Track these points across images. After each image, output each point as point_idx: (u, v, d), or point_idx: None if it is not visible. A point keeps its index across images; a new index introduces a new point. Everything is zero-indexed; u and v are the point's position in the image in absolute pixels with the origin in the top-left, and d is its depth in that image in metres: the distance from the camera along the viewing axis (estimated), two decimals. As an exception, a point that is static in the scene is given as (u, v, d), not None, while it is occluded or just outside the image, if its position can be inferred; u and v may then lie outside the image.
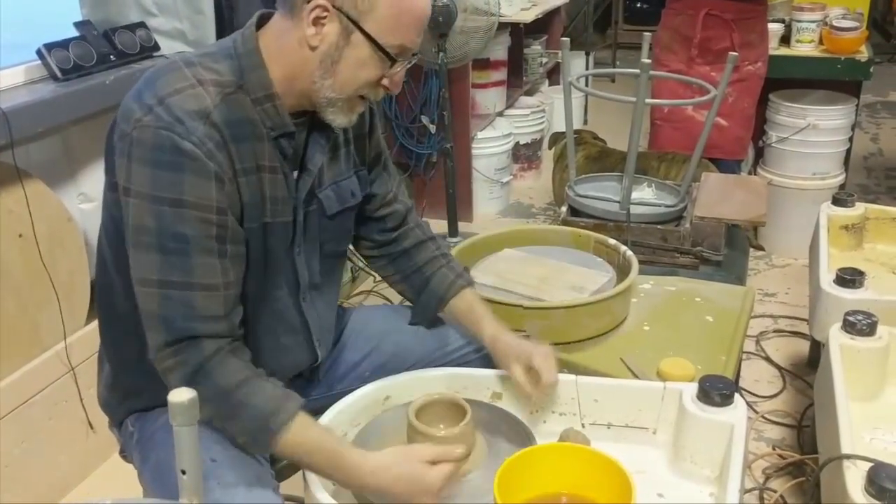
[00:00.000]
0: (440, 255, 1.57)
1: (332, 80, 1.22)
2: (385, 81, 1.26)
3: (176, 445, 0.78)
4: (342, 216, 1.43)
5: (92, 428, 2.08)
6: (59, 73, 2.08)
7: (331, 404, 1.41)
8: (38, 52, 2.09)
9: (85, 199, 2.33)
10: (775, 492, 1.93)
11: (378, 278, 1.58)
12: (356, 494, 1.26)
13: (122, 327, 1.31)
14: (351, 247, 1.56)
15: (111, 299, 1.33)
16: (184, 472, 0.78)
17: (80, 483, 2.07)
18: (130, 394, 1.38)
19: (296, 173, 1.32)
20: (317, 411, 1.43)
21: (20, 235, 1.97)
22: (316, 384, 1.52)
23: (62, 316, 2.02)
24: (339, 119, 1.28)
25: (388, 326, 1.59)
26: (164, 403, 1.29)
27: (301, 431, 1.20)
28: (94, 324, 2.12)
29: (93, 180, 2.35)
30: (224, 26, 2.60)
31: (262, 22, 1.27)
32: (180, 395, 0.78)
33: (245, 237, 1.25)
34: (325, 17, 1.19)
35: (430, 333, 1.57)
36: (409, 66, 1.28)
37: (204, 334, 1.19)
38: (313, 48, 1.21)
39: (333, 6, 1.19)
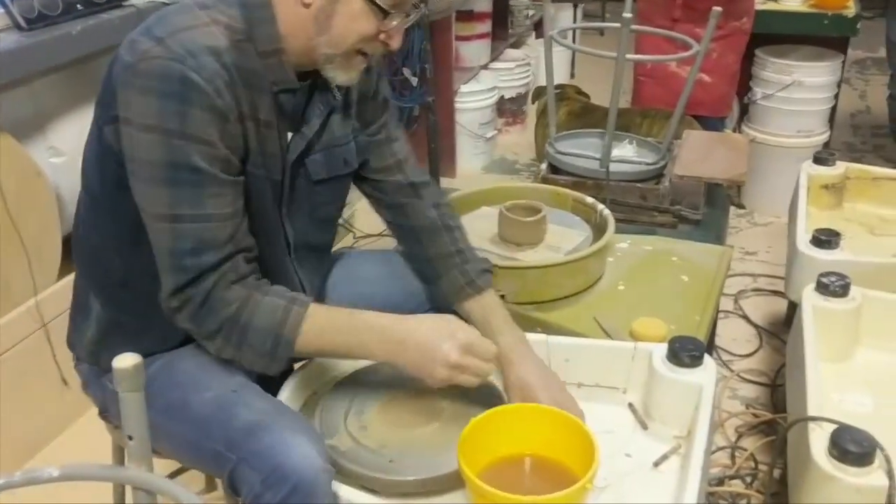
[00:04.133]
0: (455, 251, 1.46)
1: (327, 36, 1.21)
2: (382, 36, 1.24)
3: (122, 411, 0.77)
4: (332, 182, 1.40)
5: (66, 384, 2.07)
6: (23, 23, 2.01)
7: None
8: (1, 1, 2.02)
9: (55, 153, 2.28)
10: (746, 450, 1.94)
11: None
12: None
13: (113, 277, 1.30)
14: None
15: (96, 251, 1.31)
16: (131, 438, 0.77)
17: (55, 439, 2.07)
18: (118, 342, 1.34)
19: (290, 134, 1.30)
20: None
21: (-12, 190, 1.93)
22: None
23: (32, 272, 1.99)
24: (339, 76, 1.26)
25: (377, 275, 1.56)
26: (159, 349, 1.29)
27: (315, 330, 1.22)
28: (66, 280, 2.10)
29: (63, 134, 2.30)
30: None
31: None
32: (124, 361, 0.76)
33: (243, 177, 1.24)
34: None
35: (420, 288, 1.53)
36: (410, 21, 1.25)
37: (209, 267, 1.19)
38: (307, 5, 1.20)
39: None
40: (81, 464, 0.79)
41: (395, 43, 1.26)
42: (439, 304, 1.47)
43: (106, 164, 1.23)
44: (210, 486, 1.77)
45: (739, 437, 2.04)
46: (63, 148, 2.29)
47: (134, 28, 1.21)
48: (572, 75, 4.93)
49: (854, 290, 1.68)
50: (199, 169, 1.16)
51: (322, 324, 1.24)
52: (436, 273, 1.46)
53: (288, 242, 1.37)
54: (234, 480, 1.15)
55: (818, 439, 1.29)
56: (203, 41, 1.15)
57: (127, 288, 1.30)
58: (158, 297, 1.21)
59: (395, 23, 1.23)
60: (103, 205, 1.27)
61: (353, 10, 1.20)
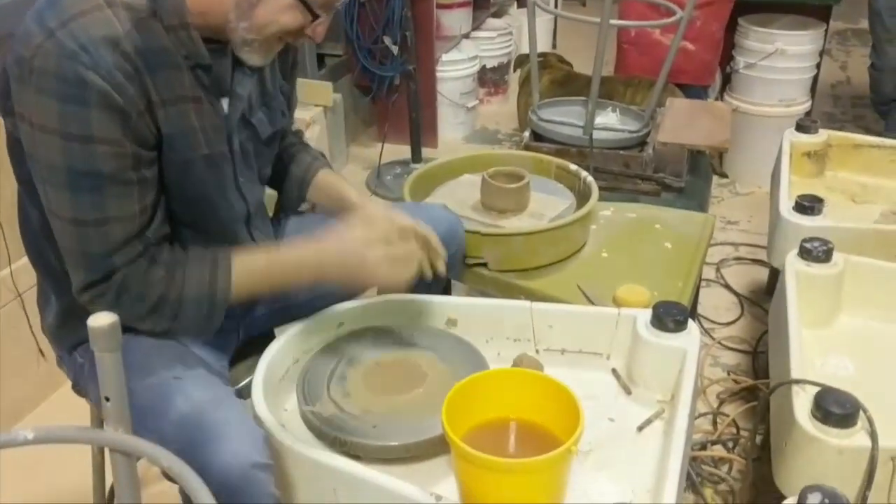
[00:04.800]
0: (297, 142, 1.54)
1: (248, 24, 1.15)
2: (307, 31, 1.20)
3: (98, 372, 0.75)
4: (273, 138, 1.38)
5: (43, 356, 2.04)
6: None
7: (277, 320, 1.42)
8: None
9: (28, 120, 2.24)
10: (728, 416, 1.95)
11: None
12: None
13: (56, 266, 1.24)
14: None
15: (36, 238, 1.26)
16: (107, 399, 0.75)
17: (33, 410, 2.04)
18: (77, 324, 1.32)
19: (225, 102, 1.25)
20: (267, 330, 1.46)
21: (-42, 157, 1.89)
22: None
23: (6, 242, 1.95)
24: (253, 59, 1.21)
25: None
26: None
27: (243, 281, 1.23)
28: (42, 250, 2.06)
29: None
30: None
31: None
32: (100, 320, 0.74)
33: (173, 167, 1.19)
34: None
35: None
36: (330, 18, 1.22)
37: (119, 265, 1.16)
38: None
39: None
40: (56, 426, 0.77)
41: (319, 37, 1.22)
42: (287, 207, 1.54)
43: (19, 154, 1.17)
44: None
45: (721, 403, 2.05)
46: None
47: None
48: (554, 45, 4.89)
49: (837, 256, 1.68)
50: (100, 173, 1.10)
51: (249, 270, 1.25)
52: (283, 164, 1.50)
53: (249, 213, 1.34)
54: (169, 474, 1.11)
55: (801, 402, 1.30)
56: (98, 31, 1.07)
57: (69, 276, 1.23)
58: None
59: (321, 20, 1.19)
60: (29, 191, 1.20)
61: (281, 4, 1.15)
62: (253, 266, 1.26)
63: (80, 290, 1.17)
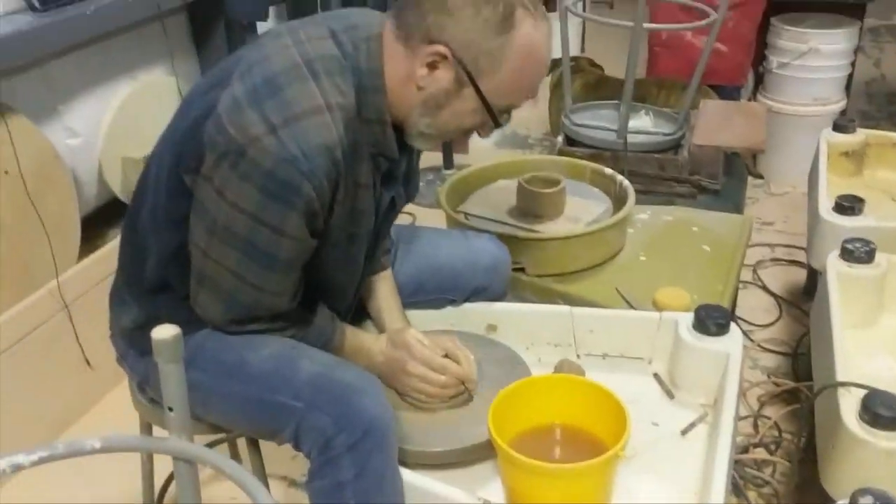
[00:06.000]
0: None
1: (430, 120, 1.18)
2: (480, 130, 1.23)
3: (161, 382, 0.77)
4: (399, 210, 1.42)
5: (89, 365, 2.08)
6: (37, 4, 2.01)
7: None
8: (15, -18, 2.01)
9: (71, 134, 2.28)
10: (769, 419, 1.94)
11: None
12: None
13: (151, 284, 1.27)
14: None
15: (142, 252, 1.26)
16: (171, 410, 0.77)
17: (79, 419, 2.08)
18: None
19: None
20: None
21: (6, 172, 1.93)
22: None
23: (53, 253, 2.00)
24: (424, 146, 1.26)
25: (436, 247, 1.56)
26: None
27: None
28: (87, 261, 2.10)
29: (78, 115, 2.30)
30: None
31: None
32: (164, 332, 0.76)
33: (323, 242, 1.22)
34: (441, 63, 1.14)
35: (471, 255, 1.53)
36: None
37: (257, 320, 1.22)
38: (420, 88, 1.16)
39: (454, 56, 1.13)
40: (122, 435, 0.79)
41: (486, 135, 1.24)
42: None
43: (175, 187, 1.18)
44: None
45: (762, 406, 2.03)
46: (78, 129, 2.29)
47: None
48: (583, 49, 4.87)
49: (880, 256, 1.66)
50: (276, 257, 1.15)
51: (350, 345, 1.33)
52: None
53: (362, 279, 1.37)
54: (300, 431, 1.15)
55: (848, 404, 1.29)
56: (317, 138, 1.09)
57: (167, 290, 1.26)
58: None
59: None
60: (164, 215, 1.22)
61: (465, 109, 1.17)
62: (348, 343, 1.33)
63: (211, 317, 1.22)
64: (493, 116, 1.18)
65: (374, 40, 1.17)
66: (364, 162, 1.19)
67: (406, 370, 1.30)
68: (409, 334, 1.33)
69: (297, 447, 1.18)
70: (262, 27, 2.85)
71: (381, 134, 1.19)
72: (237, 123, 1.09)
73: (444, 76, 1.14)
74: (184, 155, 1.15)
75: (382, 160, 1.23)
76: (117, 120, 2.39)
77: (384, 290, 1.44)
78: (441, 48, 1.12)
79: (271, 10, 2.85)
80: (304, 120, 1.09)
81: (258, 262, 1.15)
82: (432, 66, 1.14)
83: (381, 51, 1.16)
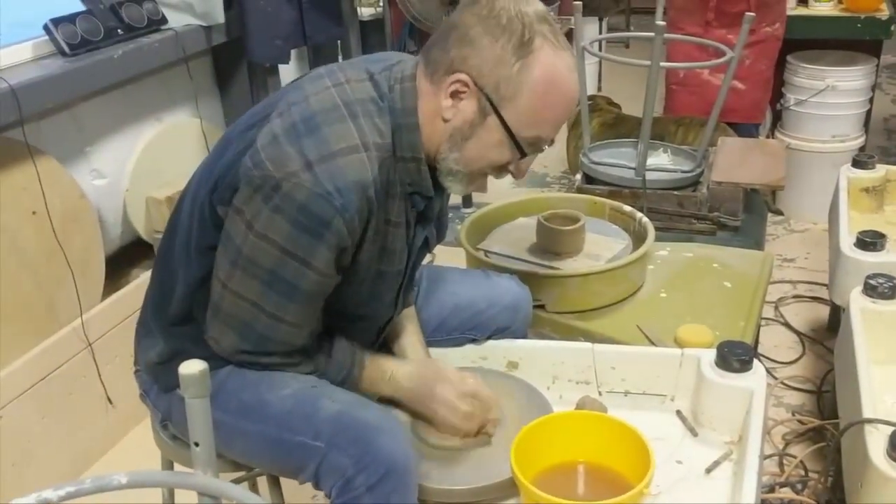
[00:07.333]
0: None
1: (458, 154, 1.20)
2: (511, 167, 1.23)
3: (188, 417, 0.77)
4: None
5: (111, 403, 2.09)
6: (66, 49, 2.07)
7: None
8: (46, 28, 2.07)
9: (97, 175, 2.33)
10: (795, 457, 1.91)
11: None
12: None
13: (178, 315, 1.28)
14: None
15: (171, 283, 1.28)
16: (196, 445, 0.77)
17: (101, 457, 2.09)
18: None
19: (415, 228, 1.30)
20: None
21: (34, 213, 1.97)
22: None
23: (78, 292, 2.03)
24: (455, 187, 1.26)
25: (457, 285, 1.57)
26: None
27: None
28: (111, 300, 2.13)
29: (105, 156, 2.35)
30: (231, 0, 2.57)
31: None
32: (191, 367, 0.77)
33: (350, 277, 1.23)
34: (464, 93, 1.16)
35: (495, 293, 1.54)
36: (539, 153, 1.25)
37: (272, 353, 1.23)
38: (446, 120, 1.18)
39: (475, 84, 1.15)
40: (149, 471, 0.79)
41: (522, 174, 1.25)
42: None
43: (208, 217, 1.20)
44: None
45: (787, 444, 2.00)
46: (105, 170, 2.34)
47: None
48: (599, 88, 4.92)
49: (903, 292, 1.65)
50: (299, 289, 1.16)
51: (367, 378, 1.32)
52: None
53: (392, 317, 1.38)
54: (320, 470, 1.16)
55: (876, 442, 1.27)
56: (353, 176, 1.11)
57: (191, 322, 1.27)
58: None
59: (527, 158, 1.23)
60: (195, 245, 1.24)
61: (492, 140, 1.18)
62: (368, 373, 1.32)
63: (223, 348, 1.23)
64: (518, 146, 1.19)
65: (408, 80, 1.20)
66: (397, 200, 1.21)
67: (434, 394, 1.29)
68: (440, 362, 1.34)
69: (317, 486, 1.18)
70: (283, 70, 2.90)
71: (416, 171, 1.21)
72: (274, 158, 1.11)
73: (468, 106, 1.16)
74: (220, 187, 1.17)
75: (418, 198, 1.24)
76: (142, 161, 2.43)
77: (408, 327, 1.44)
78: (462, 76, 1.15)
79: (293, 52, 2.90)
80: (341, 158, 1.11)
81: (278, 292, 1.16)
82: (456, 96, 1.16)
83: (415, 90, 1.19)
